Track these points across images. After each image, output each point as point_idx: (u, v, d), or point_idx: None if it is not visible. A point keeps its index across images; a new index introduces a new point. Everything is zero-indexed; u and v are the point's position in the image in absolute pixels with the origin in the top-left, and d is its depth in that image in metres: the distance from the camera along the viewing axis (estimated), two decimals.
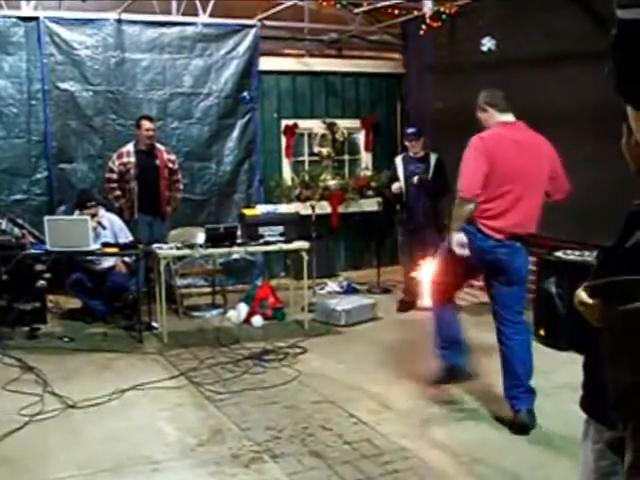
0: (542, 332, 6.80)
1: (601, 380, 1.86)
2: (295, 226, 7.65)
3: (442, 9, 8.53)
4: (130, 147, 8.33)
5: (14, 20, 8.50)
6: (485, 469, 4.28)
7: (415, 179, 8.15)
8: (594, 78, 6.82)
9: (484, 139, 5.12)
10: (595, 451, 2.15)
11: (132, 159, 8.24)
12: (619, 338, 1.77)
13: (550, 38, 7.55)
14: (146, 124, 8.28)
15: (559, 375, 5.76)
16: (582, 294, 1.90)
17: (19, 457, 4.50)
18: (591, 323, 1.90)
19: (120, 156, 8.30)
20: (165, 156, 8.46)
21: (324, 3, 8.78)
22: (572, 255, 6.76)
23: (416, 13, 8.95)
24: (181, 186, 8.67)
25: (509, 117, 5.22)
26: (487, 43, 8.15)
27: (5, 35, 8.48)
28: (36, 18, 8.55)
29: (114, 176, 8.29)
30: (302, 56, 10.35)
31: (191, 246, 7.29)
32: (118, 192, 8.30)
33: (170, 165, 8.48)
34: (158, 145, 8.50)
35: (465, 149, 5.10)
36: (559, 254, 6.87)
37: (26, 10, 8.54)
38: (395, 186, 8.35)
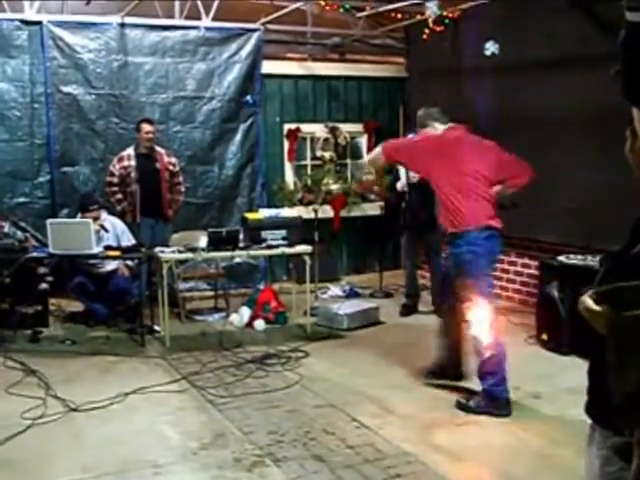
0: (544, 336, 6.79)
1: (607, 386, 1.85)
2: (298, 230, 7.65)
3: (445, 13, 8.53)
4: (130, 151, 8.35)
5: (17, 24, 8.53)
6: (488, 473, 4.28)
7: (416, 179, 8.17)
8: (597, 82, 6.83)
9: (442, 137, 5.55)
10: (601, 457, 2.14)
11: (132, 162, 8.26)
12: (626, 344, 1.76)
13: (553, 42, 7.55)
14: (146, 127, 8.30)
15: (561, 380, 5.76)
16: (588, 300, 1.89)
17: (21, 460, 4.50)
18: (596, 329, 1.89)
19: (121, 160, 8.33)
20: (165, 159, 8.47)
21: (327, 7, 8.80)
22: (575, 259, 6.74)
23: (419, 17, 8.96)
24: (182, 189, 8.67)
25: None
26: (490, 47, 8.15)
27: (8, 38, 8.51)
28: (39, 22, 8.58)
29: (115, 180, 8.31)
30: (305, 60, 10.37)
31: (193, 250, 7.29)
32: (119, 195, 8.32)
33: (171, 168, 8.49)
34: (158, 148, 8.51)
35: None
36: (562, 258, 6.86)
37: (29, 14, 8.56)
38: (399, 185, 8.43)
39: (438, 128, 5.60)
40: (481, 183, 5.32)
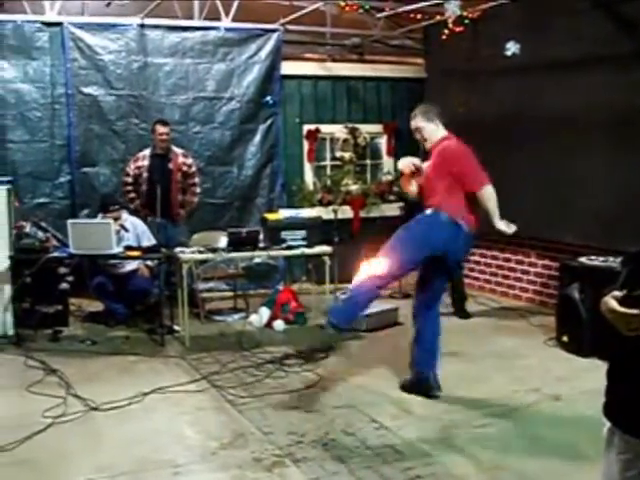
0: (565, 338, 6.75)
1: (629, 389, 1.82)
2: (317, 230, 7.64)
3: (465, 13, 8.49)
4: (147, 152, 8.41)
5: (38, 25, 8.61)
6: (507, 475, 4.25)
7: None
8: (620, 82, 6.80)
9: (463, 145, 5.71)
10: (621, 461, 2.12)
11: (146, 162, 8.32)
12: None
13: (575, 42, 7.49)
14: (159, 129, 8.32)
15: (582, 382, 5.73)
16: (611, 302, 1.87)
17: (41, 459, 4.52)
18: (620, 331, 1.86)
19: (136, 160, 8.42)
20: (180, 159, 8.45)
21: (346, 8, 8.78)
22: (596, 261, 6.70)
23: (438, 18, 8.93)
24: (197, 190, 8.61)
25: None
26: (511, 47, 8.09)
27: (30, 40, 8.58)
28: (60, 23, 8.64)
29: (129, 179, 8.40)
30: (324, 61, 10.38)
31: (213, 250, 7.30)
32: (133, 195, 8.39)
33: (185, 169, 8.46)
34: (175, 149, 8.51)
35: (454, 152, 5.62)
36: (582, 259, 6.82)
37: (50, 15, 8.62)
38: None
39: (440, 127, 5.74)
40: None
